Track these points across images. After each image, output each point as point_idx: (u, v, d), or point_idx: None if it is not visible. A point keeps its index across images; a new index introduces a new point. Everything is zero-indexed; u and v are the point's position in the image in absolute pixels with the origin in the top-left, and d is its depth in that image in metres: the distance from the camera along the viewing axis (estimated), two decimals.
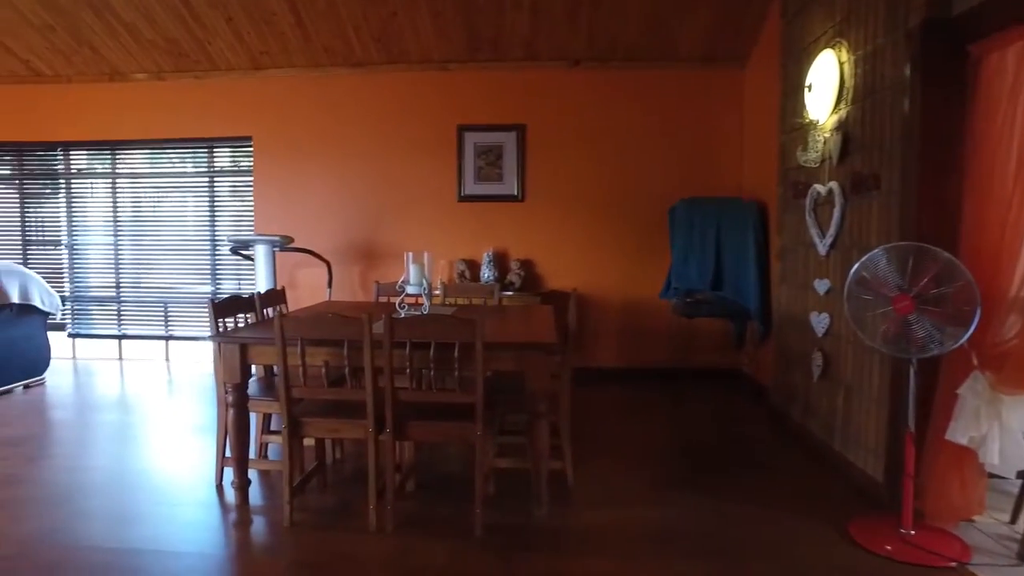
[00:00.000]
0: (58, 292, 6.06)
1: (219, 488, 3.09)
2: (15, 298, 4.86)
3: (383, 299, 4.21)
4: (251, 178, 5.74)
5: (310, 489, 3.07)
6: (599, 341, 5.42)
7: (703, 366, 5.25)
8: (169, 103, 5.71)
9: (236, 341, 2.74)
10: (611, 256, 5.37)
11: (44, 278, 6.08)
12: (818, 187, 3.49)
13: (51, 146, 6.01)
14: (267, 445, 3.50)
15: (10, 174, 6.19)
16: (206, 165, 5.89)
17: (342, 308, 3.73)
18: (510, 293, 5.03)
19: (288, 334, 2.57)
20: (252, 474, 3.18)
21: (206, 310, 5.78)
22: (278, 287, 5.01)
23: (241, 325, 3.16)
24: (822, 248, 3.45)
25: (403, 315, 3.23)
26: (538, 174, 5.38)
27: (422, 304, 3.30)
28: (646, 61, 5.22)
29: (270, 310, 3.62)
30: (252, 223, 5.77)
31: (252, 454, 3.44)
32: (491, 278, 5.19)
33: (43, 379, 5.26)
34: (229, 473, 2.99)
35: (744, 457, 3.61)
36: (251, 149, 5.71)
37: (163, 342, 6.13)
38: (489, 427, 2.71)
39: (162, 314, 6.09)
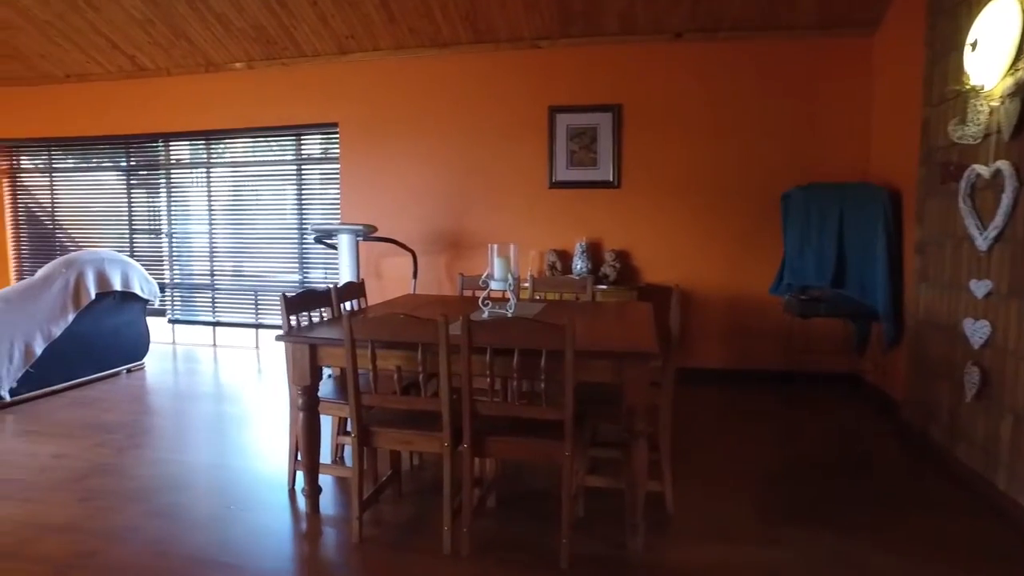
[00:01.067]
0: (159, 279, 6.26)
1: (291, 493, 2.95)
2: (117, 286, 4.99)
3: (468, 293, 3.97)
4: (338, 165, 5.66)
5: (384, 499, 2.86)
6: (701, 339, 4.96)
7: (819, 370, 4.69)
8: (258, 91, 5.70)
9: (304, 341, 2.55)
10: (715, 247, 4.88)
11: (147, 265, 6.30)
12: (979, 168, 2.91)
13: (153, 138, 6.17)
14: (343, 447, 3.34)
15: (120, 166, 6.42)
16: (294, 153, 5.86)
17: (423, 303, 3.50)
18: (604, 287, 4.66)
19: (358, 336, 2.34)
20: (325, 480, 3.02)
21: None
22: (361, 277, 4.90)
23: (316, 321, 2.98)
24: (982, 242, 2.88)
25: (486, 314, 2.96)
26: (636, 158, 4.96)
27: (508, 301, 3.00)
28: (757, 31, 4.67)
29: (351, 303, 3.45)
30: (339, 212, 5.69)
31: (327, 456, 3.31)
32: (584, 270, 4.84)
33: (143, 364, 5.41)
34: (302, 477, 2.83)
35: (873, 485, 3.09)
36: (337, 136, 5.61)
37: (253, 330, 6.20)
38: (579, 445, 2.39)
39: (252, 302, 6.15)
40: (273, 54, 5.48)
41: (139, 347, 5.35)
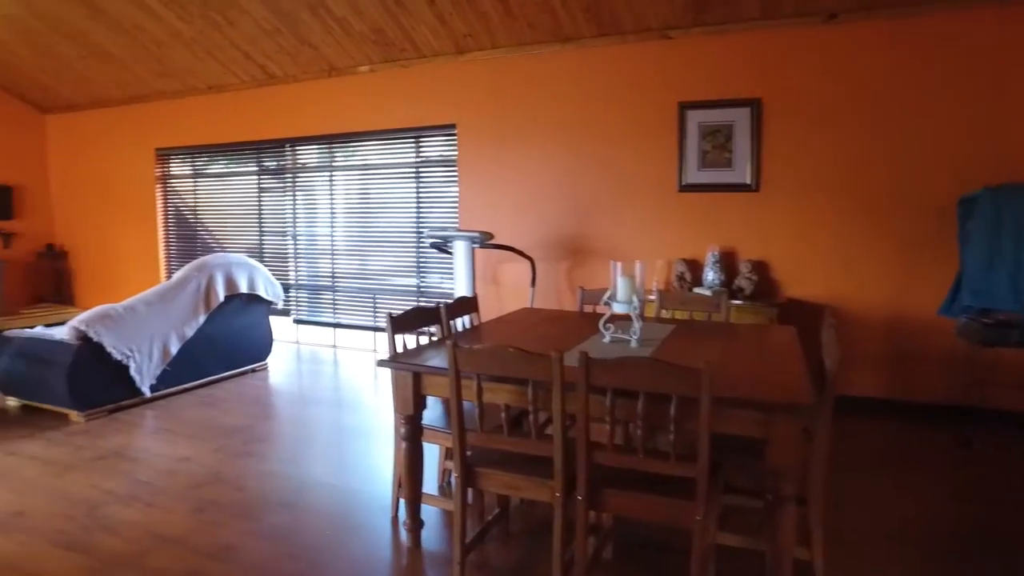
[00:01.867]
0: (284, 280, 6.45)
1: (394, 520, 2.79)
2: (243, 288, 5.14)
3: (588, 308, 3.66)
4: (455, 168, 5.53)
5: (491, 538, 2.63)
6: (855, 363, 4.34)
7: (1004, 407, 3.95)
8: (379, 94, 5.69)
9: (407, 369, 2.37)
10: (870, 259, 4.25)
11: (274, 266, 6.52)
12: None
13: (281, 143, 6.36)
14: (450, 472, 3.16)
15: (251, 170, 6.69)
16: (413, 155, 5.80)
17: (540, 320, 3.24)
18: (739, 302, 4.18)
19: (463, 368, 2.11)
20: (429, 511, 2.84)
21: (410, 303, 5.71)
22: (476, 290, 4.73)
23: (425, 342, 2.80)
24: None
25: (607, 338, 2.66)
26: (777, 158, 4.42)
27: (632, 324, 2.67)
28: (928, 4, 3.98)
29: (463, 320, 3.25)
30: (456, 215, 5.57)
31: (432, 482, 3.14)
32: (716, 282, 4.39)
33: (266, 364, 5.57)
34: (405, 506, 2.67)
35: None
36: (455, 138, 5.48)
37: (372, 333, 6.24)
38: (712, 504, 2.03)
39: (371, 304, 6.18)
40: (392, 56, 5.44)
41: (263, 348, 5.51)
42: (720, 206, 4.58)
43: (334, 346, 6.40)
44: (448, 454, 3.02)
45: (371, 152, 6.04)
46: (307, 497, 3.04)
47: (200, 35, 5.57)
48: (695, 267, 4.63)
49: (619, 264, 2.63)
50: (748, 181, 4.47)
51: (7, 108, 7.53)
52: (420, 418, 2.47)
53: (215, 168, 6.98)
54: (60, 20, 5.74)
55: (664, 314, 3.62)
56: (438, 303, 3.03)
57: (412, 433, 2.45)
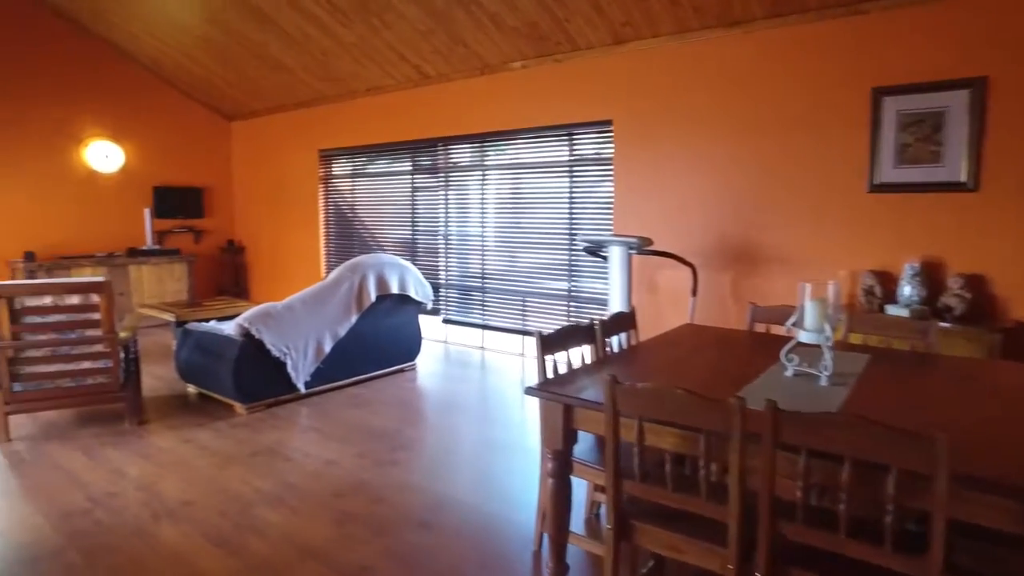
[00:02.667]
0: (434, 280, 6.49)
1: (536, 556, 2.56)
2: (394, 289, 5.19)
3: (760, 327, 3.21)
4: (611, 167, 5.21)
5: None
6: None
7: None
8: (531, 91, 5.51)
9: (557, 400, 2.11)
10: None
11: (425, 265, 6.58)
12: None
13: (434, 142, 6.39)
14: (599, 504, 2.88)
15: (405, 170, 6.81)
16: (566, 154, 5.56)
17: (706, 342, 2.86)
18: (946, 325, 3.50)
19: (623, 409, 1.82)
20: (575, 552, 2.58)
21: (560, 308, 5.48)
22: (633, 294, 4.39)
23: (578, 366, 2.54)
24: None
25: (790, 371, 2.24)
26: (1005, 150, 3.64)
27: (820, 356, 2.24)
28: None
29: (619, 338, 2.95)
30: (611, 216, 5.26)
31: (579, 519, 2.87)
32: (914, 299, 3.72)
33: (414, 364, 5.61)
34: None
35: None
36: (611, 134, 5.16)
37: (520, 336, 6.10)
38: None
39: (520, 307, 6.04)
40: (546, 50, 5.22)
41: (412, 348, 5.55)
42: (922, 209, 3.87)
43: (482, 348, 6.35)
44: (599, 486, 2.74)
45: (523, 150, 5.88)
46: (446, 517, 2.90)
47: (360, 40, 5.70)
48: (887, 280, 3.97)
49: (808, 286, 2.20)
50: (963, 179, 3.73)
51: (200, 117, 8.29)
52: (570, 453, 2.21)
53: (372, 168, 7.20)
54: (242, 35, 6.15)
55: (852, 340, 3.08)
56: (592, 320, 2.75)
57: (560, 469, 2.20)
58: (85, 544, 2.68)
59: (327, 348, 4.79)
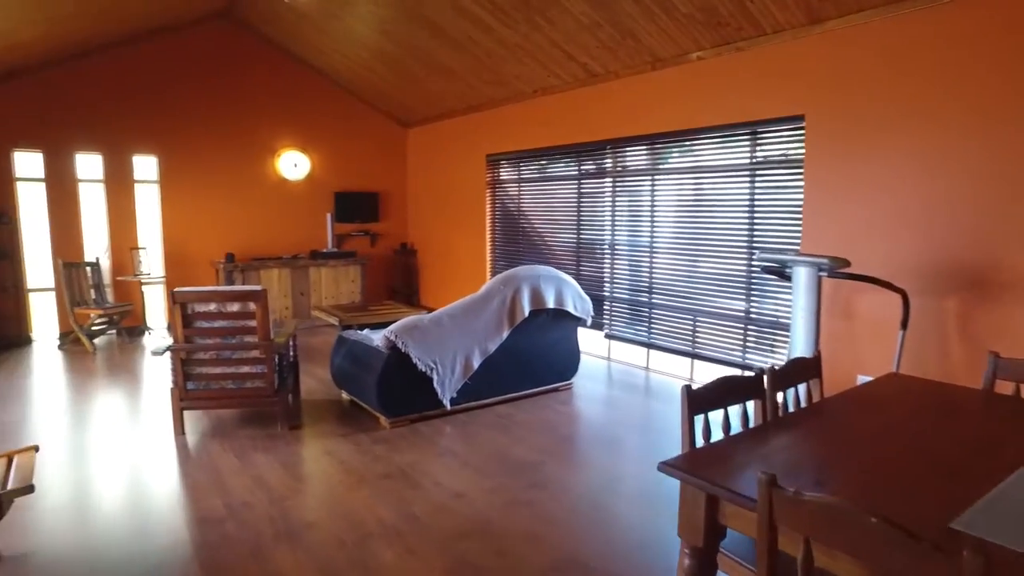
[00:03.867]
0: (597, 293, 6.07)
1: None
2: (551, 303, 4.85)
3: (1004, 384, 2.38)
4: (800, 171, 4.42)
5: None
6: None
7: None
8: (708, 85, 4.86)
9: (698, 485, 1.60)
10: None
11: (590, 275, 6.18)
12: None
13: (601, 145, 5.96)
14: None
15: (571, 175, 6.46)
16: (747, 155, 4.83)
17: (916, 406, 2.14)
18: None
19: (783, 525, 1.28)
20: None
21: (736, 332, 4.79)
22: (822, 322, 3.60)
23: (737, 430, 1.99)
24: None
25: None
26: None
27: None
28: None
29: (796, 390, 2.33)
30: (799, 227, 4.47)
31: None
32: None
33: (571, 383, 5.22)
34: None
35: None
36: (802, 133, 4.37)
37: (688, 359, 5.46)
38: None
39: (690, 327, 5.40)
40: (725, 38, 4.56)
41: (568, 366, 5.17)
42: None
43: (646, 368, 5.80)
44: None
45: (698, 152, 5.24)
46: None
47: (524, 40, 5.44)
48: None
49: None
50: None
51: (378, 124, 8.64)
52: (714, 550, 1.69)
53: (537, 173, 6.94)
54: (412, 43, 6.20)
55: None
56: (760, 370, 2.17)
57: (698, 569, 1.68)
58: (208, 558, 2.65)
59: (476, 364, 4.57)
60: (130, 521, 2.99)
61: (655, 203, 5.60)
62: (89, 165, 6.92)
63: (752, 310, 4.89)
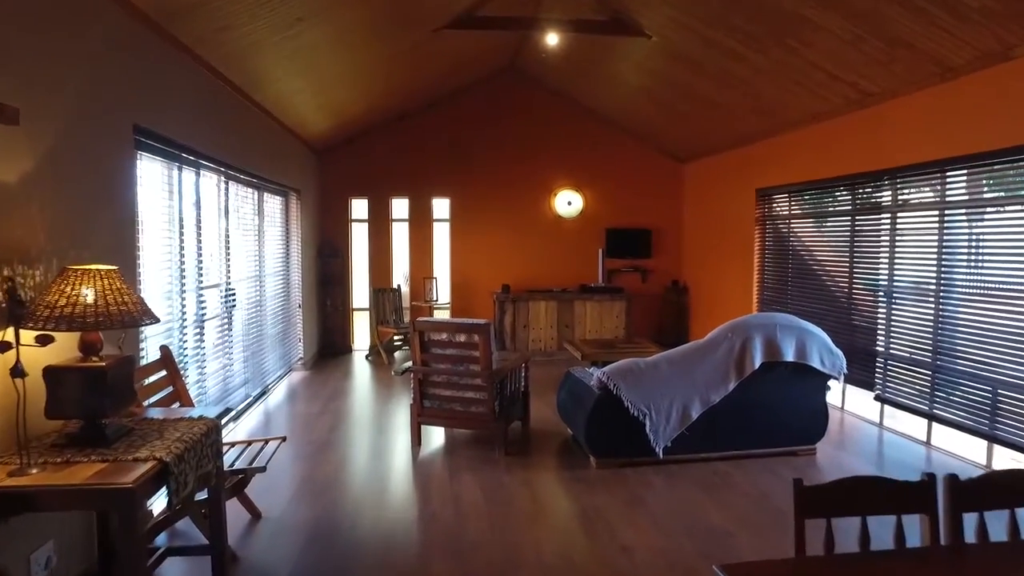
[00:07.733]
0: (871, 346, 5.19)
1: None
2: (790, 356, 4.32)
3: None
4: None
5: None
6: None
7: None
8: (1019, 92, 3.82)
9: None
10: None
11: (862, 326, 5.33)
12: None
13: (878, 175, 5.09)
14: None
15: (843, 210, 5.64)
16: None
17: None
18: None
19: None
20: None
21: None
22: None
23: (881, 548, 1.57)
24: None
25: None
26: None
27: None
28: None
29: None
30: None
31: None
32: None
33: (814, 449, 4.53)
34: None
35: None
36: None
37: (984, 441, 4.30)
38: None
39: (989, 400, 4.25)
40: None
41: (812, 428, 4.50)
42: None
43: (927, 443, 4.72)
44: None
45: (999, 179, 4.15)
46: None
47: (779, 64, 4.99)
48: None
49: None
50: None
51: (652, 161, 8.65)
52: None
53: (807, 207, 6.21)
54: (672, 80, 6.17)
55: None
56: (929, 476, 1.67)
57: None
58: (379, 554, 2.97)
59: (694, 414, 4.28)
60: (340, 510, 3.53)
61: (946, 243, 4.56)
62: (398, 207, 8.35)
63: None
